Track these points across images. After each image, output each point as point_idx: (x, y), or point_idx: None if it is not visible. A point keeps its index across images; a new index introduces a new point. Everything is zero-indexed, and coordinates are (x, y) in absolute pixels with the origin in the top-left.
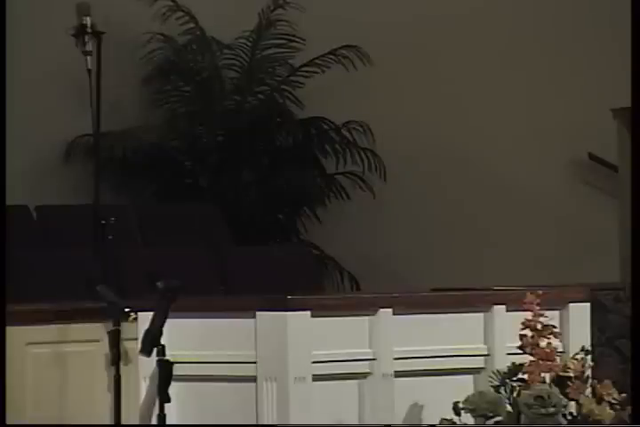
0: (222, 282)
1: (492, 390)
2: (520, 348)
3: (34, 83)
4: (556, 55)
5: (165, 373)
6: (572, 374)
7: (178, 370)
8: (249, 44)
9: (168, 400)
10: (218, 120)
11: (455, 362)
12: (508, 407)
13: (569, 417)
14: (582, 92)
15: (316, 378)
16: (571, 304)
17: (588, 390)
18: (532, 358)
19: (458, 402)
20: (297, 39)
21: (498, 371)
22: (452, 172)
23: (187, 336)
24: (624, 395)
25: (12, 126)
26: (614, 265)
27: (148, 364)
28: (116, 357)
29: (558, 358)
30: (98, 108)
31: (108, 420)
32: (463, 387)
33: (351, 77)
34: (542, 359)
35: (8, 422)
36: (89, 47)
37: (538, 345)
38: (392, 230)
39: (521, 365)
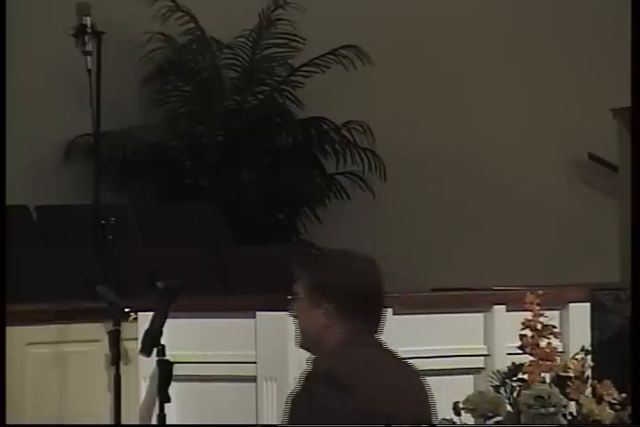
0: (222, 282)
1: (492, 390)
2: (520, 348)
3: (34, 83)
4: (555, 55)
5: (165, 373)
6: (572, 374)
7: (178, 370)
8: (249, 43)
9: (168, 400)
10: (218, 120)
11: (455, 362)
12: (508, 407)
13: (569, 417)
14: (582, 92)
15: None
16: (571, 304)
17: (588, 390)
18: (532, 358)
19: (458, 402)
20: (297, 39)
21: (498, 371)
22: (451, 172)
23: (187, 336)
24: (624, 395)
25: (12, 126)
26: (614, 265)
27: (148, 364)
28: (116, 357)
29: (558, 358)
30: (98, 108)
31: (108, 420)
32: (463, 387)
33: (351, 77)
34: (542, 359)
35: (8, 422)
36: (89, 47)
37: (538, 345)
38: (392, 230)
39: (521, 365)
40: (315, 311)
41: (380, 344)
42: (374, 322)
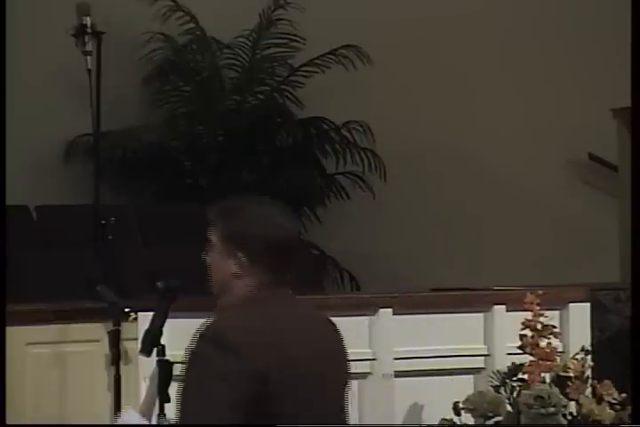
0: None
1: (492, 390)
2: (520, 348)
3: (34, 83)
4: (555, 55)
5: (165, 373)
6: (572, 374)
7: (178, 370)
8: (249, 43)
9: (168, 400)
10: (218, 120)
11: (455, 362)
12: (508, 407)
13: (569, 417)
14: (582, 92)
15: None
16: (571, 304)
17: (588, 390)
18: (532, 358)
19: (458, 402)
20: (297, 39)
21: (498, 371)
22: (452, 172)
23: (187, 336)
24: (624, 395)
25: (12, 126)
26: (614, 265)
27: (148, 364)
28: (116, 357)
29: (558, 358)
30: (98, 108)
31: (108, 420)
32: (463, 387)
33: (351, 77)
34: (542, 359)
35: (8, 422)
36: (89, 47)
37: (538, 345)
38: (392, 230)
39: (521, 365)
40: (227, 260)
41: (290, 297)
42: (286, 274)
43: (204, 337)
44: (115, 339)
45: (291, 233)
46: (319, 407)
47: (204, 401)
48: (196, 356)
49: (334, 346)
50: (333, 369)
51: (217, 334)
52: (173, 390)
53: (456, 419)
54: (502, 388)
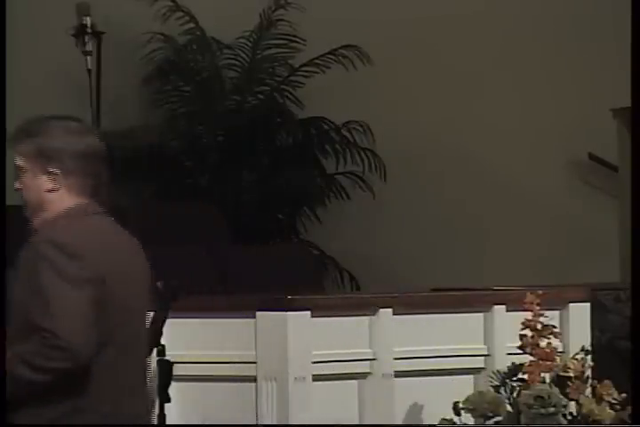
0: (222, 282)
1: (492, 390)
2: (520, 348)
3: (34, 83)
4: (555, 55)
5: (165, 373)
6: (572, 374)
7: (178, 370)
8: (249, 43)
9: (168, 400)
10: (218, 120)
11: (455, 362)
12: (508, 407)
13: (569, 417)
14: (582, 92)
15: (316, 378)
16: (571, 304)
17: (588, 390)
18: (532, 358)
19: (458, 402)
20: (297, 39)
21: (498, 371)
22: (452, 172)
23: (187, 336)
24: (624, 395)
25: (12, 126)
26: (614, 265)
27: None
28: None
29: (558, 358)
30: (98, 108)
31: None
32: (463, 387)
33: (351, 77)
34: (542, 359)
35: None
36: (89, 47)
37: (538, 345)
38: (392, 230)
39: (521, 365)
40: (39, 178)
41: (103, 212)
42: (97, 188)
43: (44, 245)
44: None
45: (95, 142)
46: (138, 321)
47: (65, 305)
48: (42, 262)
49: (144, 261)
50: (145, 283)
51: (58, 242)
52: (173, 390)
53: (456, 419)
54: (502, 388)
